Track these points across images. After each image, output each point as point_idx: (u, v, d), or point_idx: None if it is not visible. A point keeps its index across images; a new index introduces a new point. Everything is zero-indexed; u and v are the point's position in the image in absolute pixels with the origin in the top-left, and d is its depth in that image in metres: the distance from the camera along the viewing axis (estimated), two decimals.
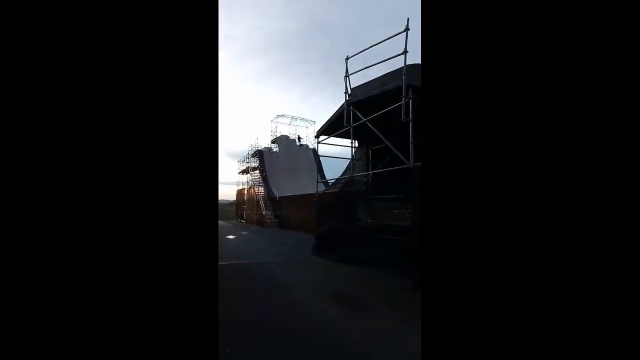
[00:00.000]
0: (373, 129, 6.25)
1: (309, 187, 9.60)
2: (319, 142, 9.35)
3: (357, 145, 9.96)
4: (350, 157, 8.83)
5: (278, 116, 27.24)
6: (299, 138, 25.80)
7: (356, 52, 6.81)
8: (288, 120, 27.79)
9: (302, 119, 28.19)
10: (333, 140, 9.33)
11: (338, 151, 10.46)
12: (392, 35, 5.50)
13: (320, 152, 10.68)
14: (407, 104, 5.13)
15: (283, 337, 2.93)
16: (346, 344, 2.80)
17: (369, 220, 7.93)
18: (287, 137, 26.66)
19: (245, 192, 25.88)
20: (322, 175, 16.42)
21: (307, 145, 25.96)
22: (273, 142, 26.14)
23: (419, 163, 4.94)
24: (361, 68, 6.62)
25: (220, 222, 24.81)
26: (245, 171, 26.52)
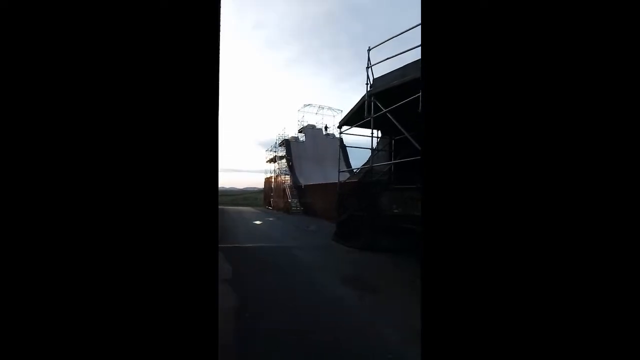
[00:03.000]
0: (392, 119, 6.35)
1: (335, 176, 9.86)
2: (341, 132, 9.53)
3: (380, 135, 10.03)
4: (375, 147, 8.95)
5: (305, 105, 27.55)
6: (326, 127, 25.96)
7: (378, 43, 6.86)
8: (315, 110, 28.01)
9: (329, 108, 28.27)
10: (358, 130, 9.46)
11: (364, 141, 10.60)
12: (412, 26, 5.51)
13: (346, 142, 10.84)
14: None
15: (301, 313, 3.30)
16: (349, 316, 3.12)
17: (396, 210, 7.95)
18: (313, 126, 26.92)
19: (273, 180, 26.70)
20: (348, 164, 16.61)
21: (333, 135, 26.09)
22: (300, 131, 26.55)
23: None
24: (382, 59, 6.68)
25: (248, 208, 25.91)
26: (272, 160, 27.27)
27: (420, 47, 3.79)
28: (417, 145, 5.53)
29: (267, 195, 28.75)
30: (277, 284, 4.28)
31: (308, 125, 26.81)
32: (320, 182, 17.34)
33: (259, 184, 31.86)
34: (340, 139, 11.03)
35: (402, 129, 6.03)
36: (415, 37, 5.51)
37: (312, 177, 20.92)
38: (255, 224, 12.76)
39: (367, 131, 8.92)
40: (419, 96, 5.31)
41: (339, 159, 9.88)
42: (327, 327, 2.91)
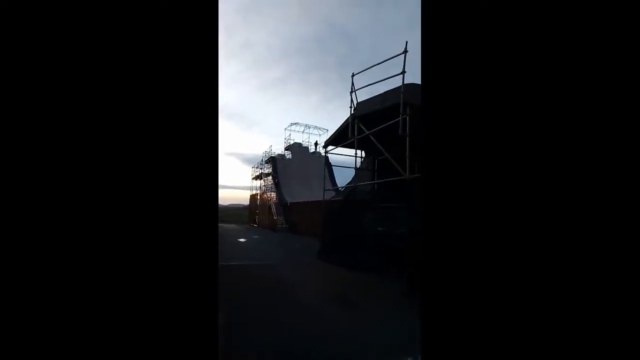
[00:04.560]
0: (374, 141, 6.67)
1: (321, 194, 10.05)
2: (326, 152, 9.82)
3: (364, 155, 10.38)
4: (357, 167, 9.25)
5: (292, 124, 28.00)
6: (316, 144, 26.31)
7: (361, 70, 7.30)
8: (302, 128, 28.51)
9: (316, 127, 28.84)
10: (343, 150, 9.77)
11: (350, 160, 10.90)
12: (392, 56, 5.95)
13: (332, 161, 11.10)
14: (404, 120, 5.54)
15: (284, 330, 3.38)
16: (331, 328, 3.24)
17: (380, 229, 8.01)
18: (300, 144, 27.29)
19: (259, 197, 26.61)
20: (334, 183, 16.88)
21: (319, 153, 26.49)
22: (286, 149, 26.83)
23: (415, 175, 5.32)
24: (365, 85, 7.08)
25: (233, 225, 25.54)
26: (258, 177, 27.29)
27: (401, 74, 4.13)
28: (397, 165, 5.83)
29: (253, 212, 28.51)
30: (262, 301, 4.33)
31: (295, 143, 27.17)
32: (306, 200, 17.47)
33: (244, 200, 31.61)
34: (326, 157, 11.31)
35: (383, 150, 6.35)
36: (396, 63, 5.95)
37: (298, 194, 21.02)
38: (240, 241, 12.66)
39: (352, 151, 9.27)
40: (398, 120, 5.67)
41: (324, 177, 10.10)
42: (309, 336, 3.01)
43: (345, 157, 10.24)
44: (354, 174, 9.99)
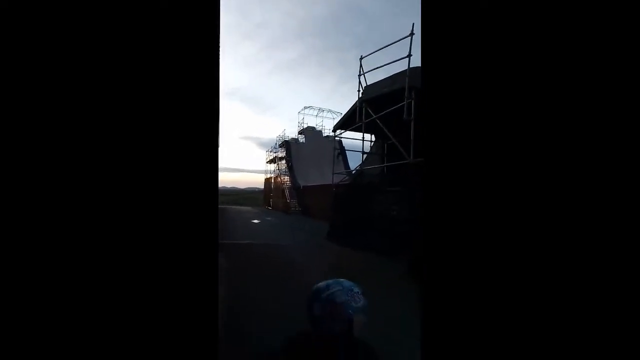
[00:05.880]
0: (381, 125, 6.71)
1: (336, 178, 10.22)
2: (335, 136, 9.90)
3: (374, 139, 10.40)
4: (369, 150, 9.32)
5: (305, 107, 27.96)
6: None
7: (370, 52, 7.24)
8: (315, 112, 28.44)
9: (329, 111, 28.69)
10: (356, 134, 9.82)
11: (361, 144, 10.93)
12: (399, 39, 5.89)
13: (346, 145, 11.14)
14: (409, 104, 5.56)
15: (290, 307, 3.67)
16: None
17: (394, 212, 7.96)
18: (313, 128, 27.32)
19: (273, 180, 27.09)
20: (347, 166, 16.99)
21: (333, 137, 26.43)
22: (300, 133, 26.95)
23: (419, 159, 5.39)
24: (372, 68, 7.05)
25: (248, 207, 26.30)
26: (272, 161, 27.67)
27: (407, 58, 4.19)
28: (402, 150, 5.89)
29: (267, 195, 29.14)
30: (269, 278, 4.64)
31: (308, 127, 27.20)
32: (319, 184, 17.70)
33: (260, 184, 32.09)
34: (340, 142, 11.33)
35: (390, 134, 6.40)
36: (406, 46, 5.87)
37: (310, 178, 21.27)
38: (254, 222, 13.14)
39: (362, 135, 9.30)
40: (404, 104, 5.68)
41: (334, 160, 10.23)
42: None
43: (359, 142, 10.31)
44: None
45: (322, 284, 1.00)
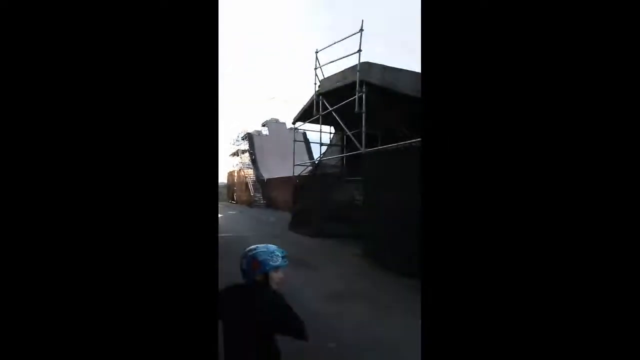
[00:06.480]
0: (336, 117, 7.01)
1: (299, 169, 10.39)
2: (295, 128, 10.07)
3: (334, 130, 10.73)
4: (329, 142, 9.62)
5: (269, 99, 27.57)
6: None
7: (326, 46, 7.47)
8: (278, 103, 28.15)
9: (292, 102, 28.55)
10: (317, 126, 10.03)
11: (324, 136, 11.20)
12: (348, 35, 6.16)
13: (310, 138, 11.24)
14: (360, 97, 5.89)
15: None
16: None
17: (357, 200, 8.31)
18: (276, 120, 27.13)
19: (235, 174, 26.62)
20: (311, 157, 17.24)
21: (297, 129, 26.46)
22: (263, 125, 26.63)
23: (370, 149, 5.76)
24: (326, 63, 7.29)
25: None
26: (235, 154, 27.12)
27: (357, 53, 4.48)
28: (354, 140, 6.23)
29: (231, 189, 28.60)
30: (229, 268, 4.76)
31: (271, 118, 26.95)
32: (283, 176, 17.79)
33: (222, 178, 31.35)
34: (304, 134, 11.46)
35: (344, 126, 6.71)
36: (371, 41, 6.15)
37: (275, 170, 21.23)
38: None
39: (324, 127, 9.56)
40: (355, 98, 6.00)
41: (294, 152, 10.42)
42: None
43: (325, 134, 10.55)
44: (328, 149, 10.38)
45: (253, 246, 1.23)
